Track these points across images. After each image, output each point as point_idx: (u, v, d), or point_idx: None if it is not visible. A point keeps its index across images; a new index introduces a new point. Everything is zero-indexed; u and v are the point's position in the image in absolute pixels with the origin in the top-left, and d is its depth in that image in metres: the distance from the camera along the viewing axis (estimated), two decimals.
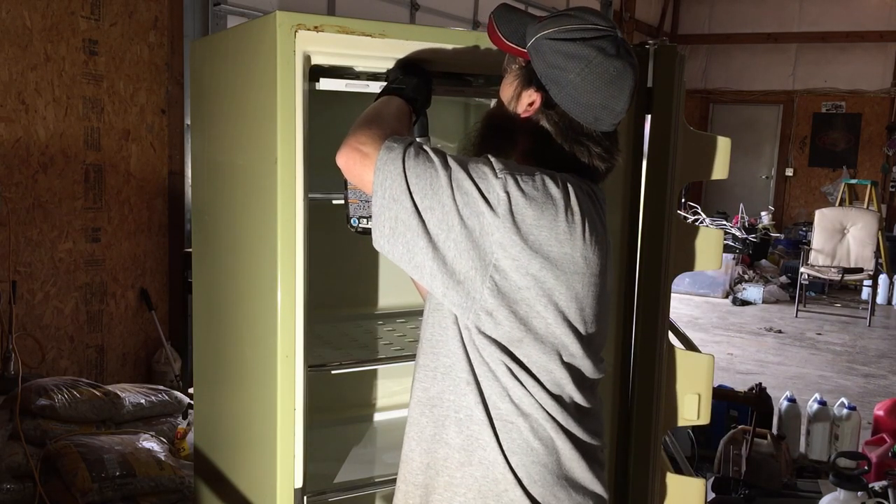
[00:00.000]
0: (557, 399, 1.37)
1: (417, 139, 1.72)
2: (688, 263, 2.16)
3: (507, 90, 1.46)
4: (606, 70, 1.35)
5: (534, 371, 1.35)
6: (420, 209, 1.28)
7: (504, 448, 1.35)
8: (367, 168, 1.32)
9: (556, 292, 1.32)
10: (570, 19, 1.38)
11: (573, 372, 1.38)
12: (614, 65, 1.35)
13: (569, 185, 1.33)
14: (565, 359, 1.37)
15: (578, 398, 1.40)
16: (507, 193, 1.27)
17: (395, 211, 1.29)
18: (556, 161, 1.39)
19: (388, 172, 1.30)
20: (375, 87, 1.79)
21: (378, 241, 1.34)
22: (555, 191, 1.31)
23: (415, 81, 1.60)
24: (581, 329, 1.37)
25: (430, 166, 1.29)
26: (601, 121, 1.38)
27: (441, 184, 1.28)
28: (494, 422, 1.35)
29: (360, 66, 1.80)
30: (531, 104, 1.40)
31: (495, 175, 1.29)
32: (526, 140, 1.42)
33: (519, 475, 1.35)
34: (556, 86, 1.37)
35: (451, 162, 1.31)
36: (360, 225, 1.65)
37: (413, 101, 1.56)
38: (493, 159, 1.32)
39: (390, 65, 1.79)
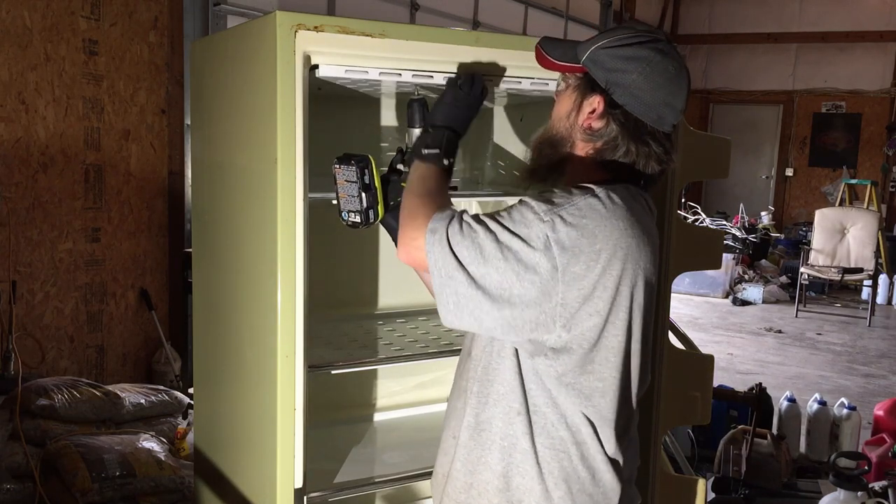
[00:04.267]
0: (611, 424, 1.39)
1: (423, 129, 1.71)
2: (688, 263, 2.16)
3: (564, 104, 1.48)
4: (666, 69, 1.40)
5: (592, 400, 1.37)
6: (476, 278, 1.32)
7: (546, 477, 1.38)
8: (424, 256, 1.37)
9: (623, 309, 1.35)
10: (620, 30, 1.44)
11: (630, 389, 1.42)
12: (672, 64, 1.40)
13: (620, 200, 1.35)
14: (632, 373, 1.41)
15: (632, 415, 1.45)
16: (555, 231, 1.29)
17: (453, 287, 1.34)
18: (619, 165, 1.42)
19: (437, 254, 1.34)
20: (374, 73, 1.78)
21: (446, 318, 1.38)
22: (603, 210, 1.32)
23: (446, 136, 1.59)
24: (643, 341, 1.41)
25: (474, 237, 1.33)
26: (664, 119, 1.41)
27: (489, 250, 1.31)
28: (540, 451, 1.38)
29: (360, 65, 1.79)
30: (593, 111, 1.43)
31: (541, 220, 1.30)
32: (589, 148, 1.44)
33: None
34: (619, 87, 1.40)
35: (492, 225, 1.33)
36: (349, 219, 1.67)
37: (449, 163, 1.58)
38: (533, 203, 1.33)
39: (390, 64, 1.78)
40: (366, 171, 1.63)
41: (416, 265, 1.44)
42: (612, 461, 1.41)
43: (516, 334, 1.34)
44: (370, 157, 1.66)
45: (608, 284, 1.32)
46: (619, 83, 1.40)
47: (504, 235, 1.31)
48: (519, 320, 1.32)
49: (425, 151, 1.57)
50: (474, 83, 1.65)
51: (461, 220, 1.36)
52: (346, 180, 1.65)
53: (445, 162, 1.56)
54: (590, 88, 1.44)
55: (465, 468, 1.45)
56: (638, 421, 1.51)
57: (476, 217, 1.37)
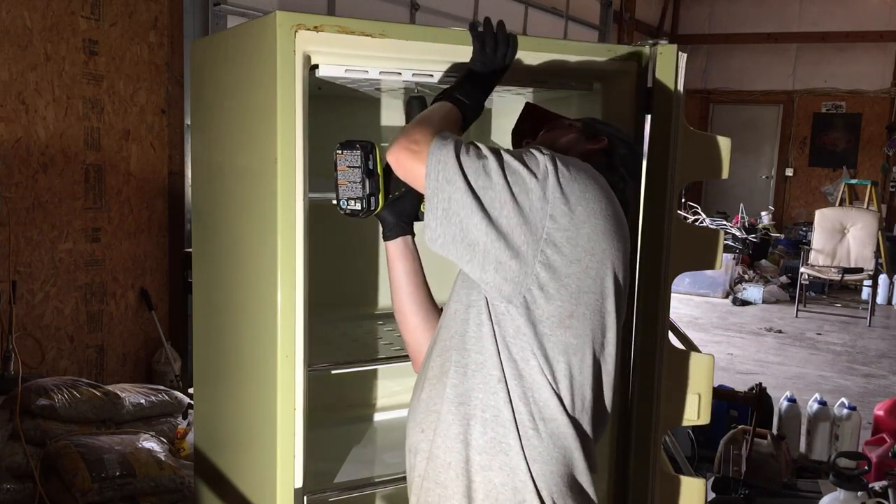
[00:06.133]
0: (581, 402, 1.38)
1: None
2: (688, 263, 2.16)
3: (565, 131, 1.67)
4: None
5: (566, 363, 1.36)
6: (474, 187, 1.33)
7: (527, 454, 1.35)
8: (419, 162, 1.37)
9: (603, 266, 1.36)
10: None
11: (605, 363, 1.41)
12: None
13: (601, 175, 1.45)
14: (605, 345, 1.40)
15: (607, 396, 1.43)
16: (555, 168, 1.34)
17: (448, 192, 1.34)
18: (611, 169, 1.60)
19: (441, 157, 1.35)
20: (374, 72, 1.78)
21: (430, 226, 1.36)
22: (594, 172, 1.41)
23: (478, 98, 1.62)
24: (621, 310, 1.42)
25: (480, 153, 1.36)
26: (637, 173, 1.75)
27: (492, 166, 1.34)
28: (520, 426, 1.35)
29: (360, 65, 1.79)
30: (597, 144, 1.62)
31: (541, 153, 1.37)
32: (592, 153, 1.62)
33: (538, 485, 1.35)
34: (619, 141, 1.65)
35: (500, 150, 1.39)
36: (349, 206, 1.63)
37: (468, 118, 1.59)
38: (539, 146, 1.40)
39: (390, 64, 1.78)
40: (370, 155, 1.61)
41: (402, 167, 1.42)
42: (583, 440, 1.38)
43: (497, 258, 1.33)
44: (374, 143, 1.64)
45: (592, 236, 1.34)
46: (618, 138, 1.65)
47: (508, 158, 1.36)
48: (503, 242, 1.32)
49: (457, 95, 1.57)
50: (499, 46, 1.65)
51: (470, 142, 1.40)
52: (348, 165, 1.61)
53: (469, 115, 1.58)
54: (596, 132, 1.65)
55: (444, 444, 1.41)
56: (609, 399, 1.47)
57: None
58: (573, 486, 1.38)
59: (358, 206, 1.62)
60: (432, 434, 1.44)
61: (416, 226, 1.70)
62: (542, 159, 1.35)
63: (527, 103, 1.88)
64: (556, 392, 1.35)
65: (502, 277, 1.34)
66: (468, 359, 1.40)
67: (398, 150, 1.41)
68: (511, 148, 1.70)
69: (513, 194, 1.32)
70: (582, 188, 1.34)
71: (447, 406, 1.41)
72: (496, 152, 1.37)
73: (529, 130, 1.78)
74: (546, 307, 1.34)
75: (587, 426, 1.40)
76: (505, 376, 1.36)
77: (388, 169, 1.62)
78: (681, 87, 2.02)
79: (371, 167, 1.60)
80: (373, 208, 1.62)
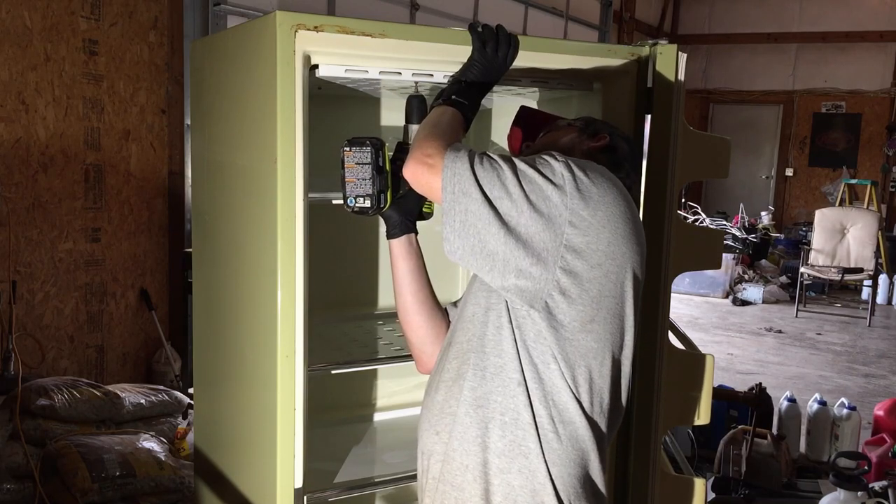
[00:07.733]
0: (600, 405, 1.39)
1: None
2: (688, 263, 2.16)
3: (566, 132, 1.67)
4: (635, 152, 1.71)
5: (586, 367, 1.36)
6: (490, 198, 1.34)
7: (547, 457, 1.35)
8: (435, 175, 1.38)
9: (623, 270, 1.37)
10: None
11: (623, 365, 1.42)
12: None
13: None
14: (624, 347, 1.41)
15: (623, 397, 1.44)
16: (572, 173, 1.34)
17: (464, 204, 1.34)
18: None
19: (455, 170, 1.36)
20: (374, 72, 1.78)
21: (449, 239, 1.37)
22: (612, 175, 1.42)
23: (477, 99, 1.62)
24: (639, 312, 1.42)
25: (494, 163, 1.36)
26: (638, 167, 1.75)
27: (507, 176, 1.34)
28: (539, 429, 1.36)
29: (360, 65, 1.79)
30: (599, 141, 1.62)
31: (555, 159, 1.37)
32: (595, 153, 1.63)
33: (557, 487, 1.35)
34: (617, 138, 1.64)
35: (513, 158, 1.38)
36: (357, 204, 1.62)
37: (469, 119, 1.59)
38: (552, 152, 1.40)
39: (390, 64, 1.78)
40: (380, 153, 1.60)
41: (419, 181, 1.43)
42: (599, 443, 1.39)
43: (517, 266, 1.33)
44: (383, 140, 1.64)
45: (612, 240, 1.34)
46: (618, 134, 1.64)
47: (523, 166, 1.36)
48: (522, 250, 1.32)
49: (454, 98, 1.57)
50: (500, 46, 1.64)
51: (483, 153, 1.40)
52: (357, 163, 1.60)
53: (469, 116, 1.58)
54: (597, 129, 1.65)
55: (461, 447, 1.41)
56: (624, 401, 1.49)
57: (497, 153, 1.41)
58: (588, 487, 1.39)
59: (367, 204, 1.61)
60: (447, 437, 1.43)
61: (419, 224, 1.71)
62: (557, 166, 1.35)
63: (521, 106, 1.88)
64: (575, 396, 1.36)
65: (524, 284, 1.34)
66: (487, 362, 1.40)
67: (414, 165, 1.42)
68: (507, 151, 1.70)
69: (530, 202, 1.32)
70: (601, 192, 1.34)
71: (464, 409, 1.41)
72: (510, 161, 1.36)
73: (526, 133, 1.78)
74: (568, 311, 1.34)
75: (603, 428, 1.40)
76: (525, 380, 1.36)
77: (395, 166, 1.62)
78: (681, 87, 2.02)
79: (381, 164, 1.60)
80: (382, 206, 1.62)
